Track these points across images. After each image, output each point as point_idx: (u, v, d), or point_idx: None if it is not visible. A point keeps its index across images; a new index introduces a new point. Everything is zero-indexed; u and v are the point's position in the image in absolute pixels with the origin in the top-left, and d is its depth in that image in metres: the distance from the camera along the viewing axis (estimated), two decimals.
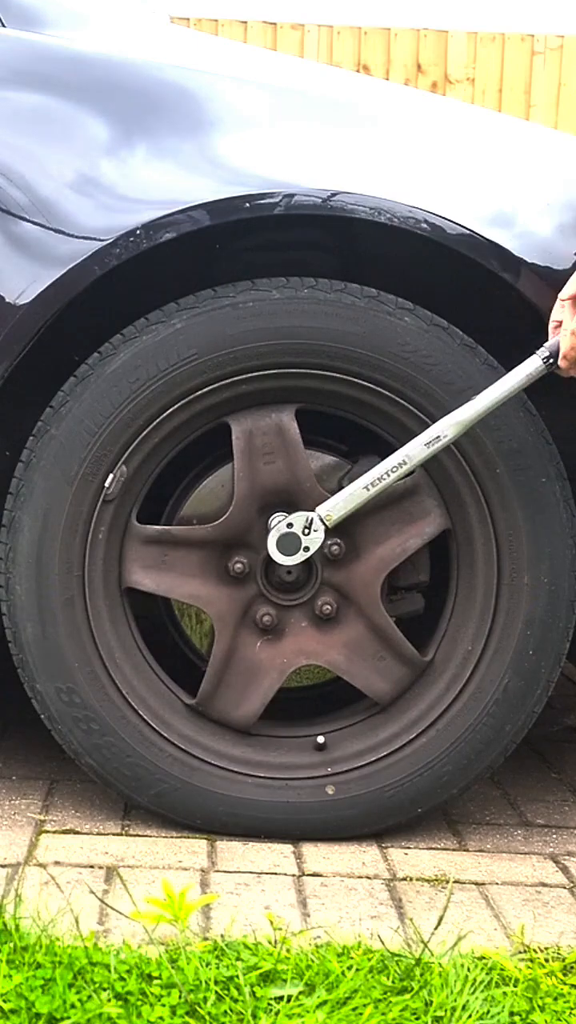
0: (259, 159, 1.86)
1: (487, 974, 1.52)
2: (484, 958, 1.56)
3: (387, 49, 7.30)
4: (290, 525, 1.86)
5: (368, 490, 1.84)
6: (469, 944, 1.61)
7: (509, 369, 1.85)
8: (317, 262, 1.95)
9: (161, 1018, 1.40)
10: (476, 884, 1.83)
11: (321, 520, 1.86)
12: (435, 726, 1.91)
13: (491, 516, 1.88)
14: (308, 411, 1.91)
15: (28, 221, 1.82)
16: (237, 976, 1.47)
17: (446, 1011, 1.44)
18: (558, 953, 1.62)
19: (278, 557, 1.86)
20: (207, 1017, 1.41)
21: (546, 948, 1.63)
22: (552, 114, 7.33)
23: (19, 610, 1.89)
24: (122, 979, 1.46)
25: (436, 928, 1.66)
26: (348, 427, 1.96)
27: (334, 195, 1.82)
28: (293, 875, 1.82)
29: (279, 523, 1.87)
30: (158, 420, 1.86)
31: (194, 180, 1.85)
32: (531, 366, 1.76)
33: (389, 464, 1.83)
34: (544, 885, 1.84)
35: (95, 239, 1.80)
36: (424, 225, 1.82)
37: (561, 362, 1.73)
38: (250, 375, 1.86)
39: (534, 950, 1.62)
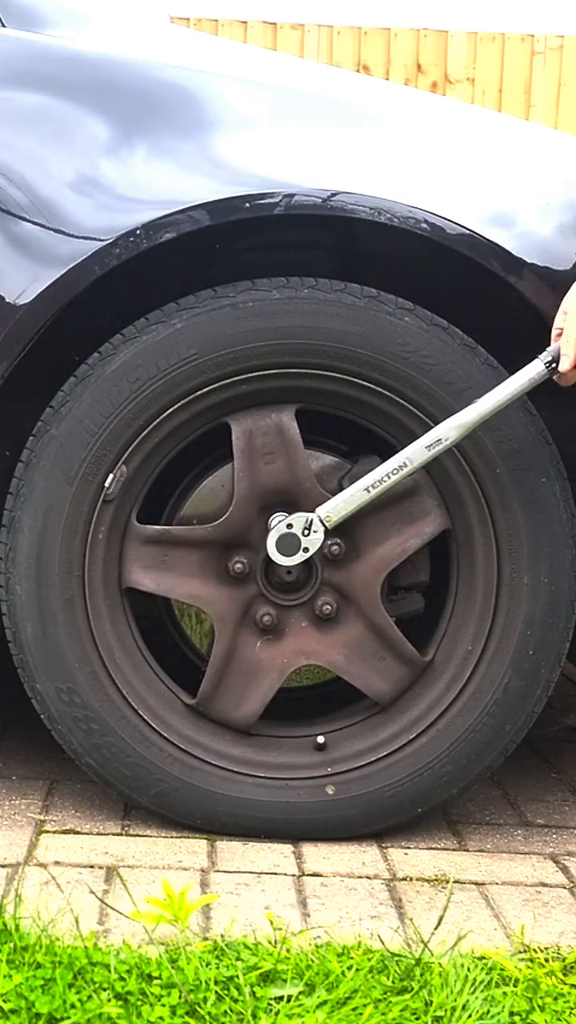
0: (259, 159, 1.86)
1: (487, 974, 1.52)
2: (484, 958, 1.56)
3: (387, 49, 7.30)
4: (290, 526, 1.86)
5: (369, 492, 1.84)
6: (469, 944, 1.61)
7: (509, 369, 1.85)
8: (317, 262, 1.95)
9: (161, 1018, 1.40)
10: (476, 884, 1.83)
11: (321, 521, 1.86)
12: (435, 726, 1.91)
13: (491, 516, 1.88)
14: (308, 411, 1.91)
15: (28, 221, 1.82)
16: (237, 976, 1.47)
17: (446, 1011, 1.44)
18: (558, 953, 1.62)
19: (277, 557, 1.86)
20: (207, 1017, 1.41)
21: (546, 948, 1.63)
22: (552, 114, 7.33)
23: (19, 610, 1.89)
24: (122, 979, 1.46)
25: (436, 928, 1.66)
26: (348, 427, 1.96)
27: (334, 195, 1.82)
28: (293, 875, 1.82)
29: (279, 523, 1.87)
30: (158, 420, 1.86)
31: (194, 180, 1.85)
32: (533, 371, 1.77)
33: (390, 466, 1.83)
34: (544, 885, 1.84)
35: (95, 239, 1.80)
36: (424, 225, 1.82)
37: (561, 366, 1.73)
38: (250, 375, 1.86)
39: (534, 950, 1.62)
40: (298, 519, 1.86)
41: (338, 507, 1.85)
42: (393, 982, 1.49)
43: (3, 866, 1.80)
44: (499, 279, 1.84)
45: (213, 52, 2.15)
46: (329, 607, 1.91)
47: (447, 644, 1.93)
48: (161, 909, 1.56)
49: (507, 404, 1.78)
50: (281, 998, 1.45)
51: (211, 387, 1.86)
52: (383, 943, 1.61)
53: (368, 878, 1.83)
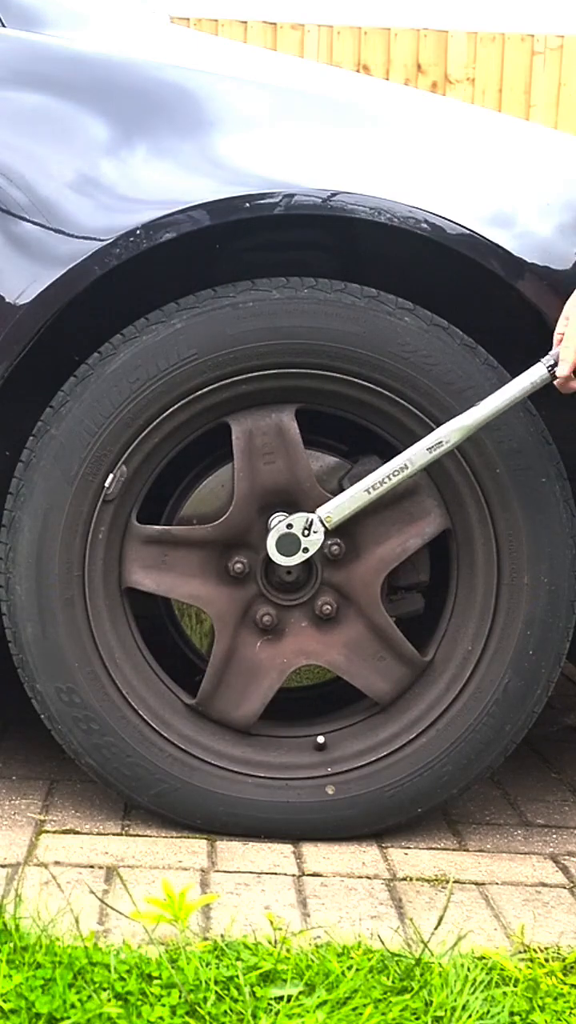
0: (259, 159, 1.85)
1: (487, 974, 1.52)
2: (484, 958, 1.56)
3: (387, 49, 7.30)
4: (290, 526, 1.86)
5: (369, 493, 1.84)
6: (469, 944, 1.61)
7: (508, 369, 1.85)
8: (317, 262, 1.95)
9: (161, 1018, 1.40)
10: (476, 884, 1.83)
11: (321, 522, 1.86)
12: (435, 726, 1.91)
13: (491, 516, 1.88)
14: (308, 411, 1.91)
15: (28, 221, 1.82)
16: (237, 976, 1.47)
17: (446, 1011, 1.44)
18: (558, 953, 1.61)
19: (277, 557, 1.86)
20: (207, 1017, 1.41)
21: (546, 948, 1.63)
22: (552, 114, 7.33)
23: (19, 610, 1.89)
24: (122, 979, 1.46)
25: (436, 928, 1.66)
26: (348, 427, 1.96)
27: (334, 195, 1.82)
28: (293, 875, 1.82)
29: (279, 523, 1.87)
30: (158, 420, 1.86)
31: (194, 180, 1.85)
32: (535, 374, 1.77)
33: (391, 468, 1.83)
34: (544, 885, 1.84)
35: (95, 239, 1.80)
36: (424, 225, 1.82)
37: (559, 371, 1.73)
38: (250, 375, 1.86)
39: (534, 950, 1.62)
40: (298, 519, 1.86)
41: (338, 508, 1.85)
42: (393, 982, 1.49)
43: (3, 866, 1.80)
44: (499, 279, 1.84)
45: (213, 52, 2.15)
46: (329, 607, 1.91)
47: (447, 644, 1.93)
48: (161, 909, 1.56)
49: (509, 408, 1.79)
50: (281, 998, 1.45)
51: (211, 387, 1.86)
52: (383, 943, 1.61)
53: (368, 878, 1.83)
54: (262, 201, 1.82)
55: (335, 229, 1.91)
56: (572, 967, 1.57)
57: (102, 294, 1.85)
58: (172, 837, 1.92)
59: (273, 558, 1.87)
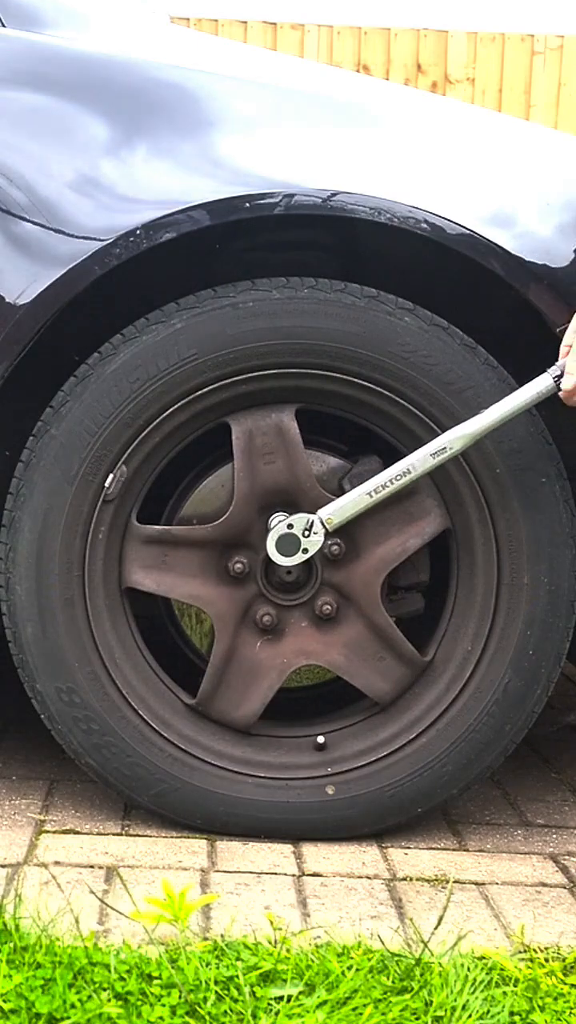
0: (259, 159, 1.85)
1: (487, 974, 1.52)
2: (484, 958, 1.56)
3: (387, 49, 7.30)
4: (290, 526, 1.86)
5: (371, 496, 1.84)
6: (469, 944, 1.61)
7: (509, 369, 1.85)
8: (317, 262, 1.95)
9: (161, 1018, 1.40)
10: (476, 884, 1.83)
11: (322, 523, 1.86)
12: (435, 726, 1.91)
13: (491, 516, 1.88)
14: (308, 411, 1.91)
15: (28, 221, 1.82)
16: (237, 976, 1.47)
17: (446, 1011, 1.44)
18: (558, 953, 1.61)
19: (277, 557, 1.86)
20: (207, 1017, 1.41)
21: (546, 948, 1.63)
22: (552, 114, 7.33)
23: (19, 610, 1.89)
24: (122, 979, 1.46)
25: (436, 928, 1.66)
26: (349, 427, 1.96)
27: (334, 195, 1.82)
28: (293, 875, 1.82)
29: (279, 523, 1.87)
30: (158, 420, 1.86)
31: (194, 180, 1.85)
32: (541, 384, 1.77)
33: (393, 472, 1.83)
34: (544, 885, 1.84)
35: (95, 239, 1.80)
36: (424, 225, 1.82)
37: (564, 384, 1.73)
38: (250, 375, 1.86)
39: (534, 950, 1.62)
40: (299, 520, 1.86)
41: (340, 510, 1.85)
42: (393, 982, 1.49)
43: (3, 866, 1.80)
44: (499, 279, 1.84)
45: (213, 52, 2.15)
46: (329, 607, 1.91)
47: (447, 644, 1.93)
48: (161, 909, 1.56)
49: (513, 416, 1.79)
50: (281, 998, 1.45)
51: (211, 387, 1.86)
52: (383, 943, 1.61)
53: (368, 878, 1.83)
54: (262, 201, 1.82)
55: (335, 229, 1.91)
56: (572, 967, 1.57)
57: (102, 294, 1.84)
58: (172, 837, 1.92)
59: (273, 558, 1.87)
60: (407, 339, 1.84)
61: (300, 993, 1.45)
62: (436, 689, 1.93)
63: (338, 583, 1.92)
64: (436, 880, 1.83)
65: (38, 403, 1.90)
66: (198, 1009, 1.42)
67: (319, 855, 1.89)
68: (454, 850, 1.94)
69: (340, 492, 1.90)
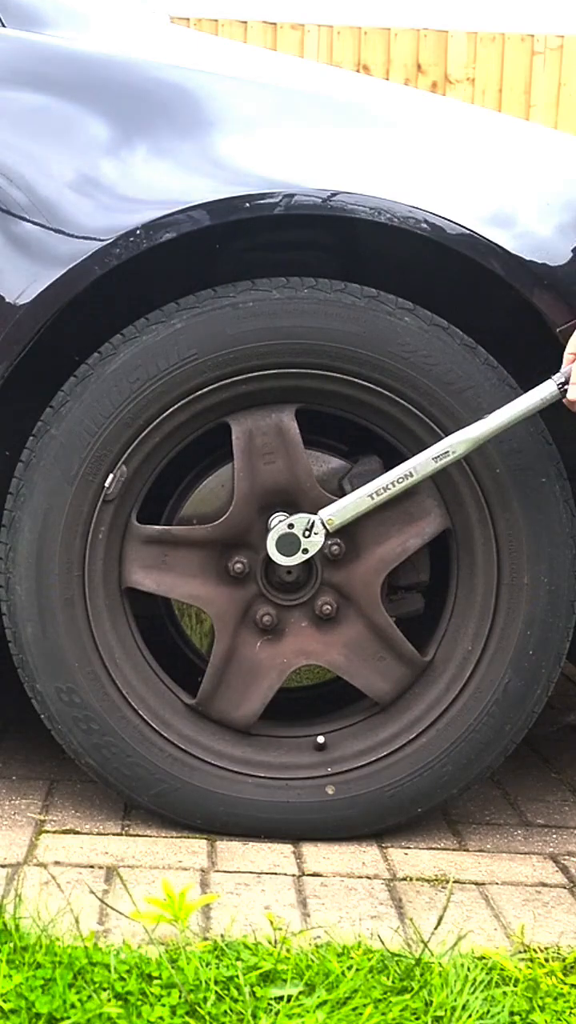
0: (259, 159, 1.85)
1: (487, 974, 1.52)
2: (484, 958, 1.56)
3: (387, 49, 7.30)
4: (291, 526, 1.86)
5: (373, 499, 1.84)
6: (469, 944, 1.61)
7: (509, 369, 1.85)
8: (317, 262, 1.95)
9: (161, 1018, 1.40)
10: (476, 884, 1.83)
11: (323, 524, 1.86)
12: (435, 726, 1.91)
13: (491, 516, 1.88)
14: (308, 411, 1.91)
15: (28, 221, 1.82)
16: (237, 976, 1.47)
17: (446, 1011, 1.44)
18: (558, 953, 1.61)
19: (277, 557, 1.86)
20: (207, 1017, 1.41)
21: (546, 948, 1.63)
22: (552, 114, 7.33)
23: (19, 610, 1.89)
24: (122, 979, 1.46)
25: (436, 928, 1.66)
26: (349, 427, 1.96)
27: (334, 195, 1.82)
28: (293, 875, 1.82)
29: (279, 523, 1.87)
30: (158, 420, 1.86)
31: (194, 180, 1.85)
32: (545, 391, 1.77)
33: (395, 475, 1.83)
34: (544, 885, 1.84)
35: (95, 239, 1.80)
36: (424, 225, 1.82)
37: (570, 394, 1.73)
38: (250, 375, 1.86)
39: (534, 950, 1.62)
40: (300, 520, 1.86)
41: (341, 511, 1.85)
42: (393, 982, 1.49)
43: (3, 866, 1.80)
44: (499, 279, 1.84)
45: (213, 52, 2.15)
46: (329, 607, 1.91)
47: (447, 644, 1.93)
48: (161, 909, 1.56)
49: (517, 422, 1.79)
50: (281, 998, 1.45)
51: (211, 387, 1.86)
52: (383, 943, 1.61)
53: (368, 878, 1.83)
54: (262, 201, 1.82)
55: (335, 229, 1.91)
56: (572, 967, 1.57)
57: (102, 294, 1.84)
58: (172, 837, 1.92)
59: (273, 558, 1.87)
60: (407, 339, 1.84)
61: (300, 993, 1.45)
62: (436, 689, 1.93)
63: (338, 583, 1.92)
64: (436, 880, 1.83)
65: (38, 403, 1.90)
66: (198, 1009, 1.42)
67: (319, 855, 1.89)
68: (454, 850, 1.94)
69: (340, 492, 1.90)
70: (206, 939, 1.59)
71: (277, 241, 1.94)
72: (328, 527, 1.86)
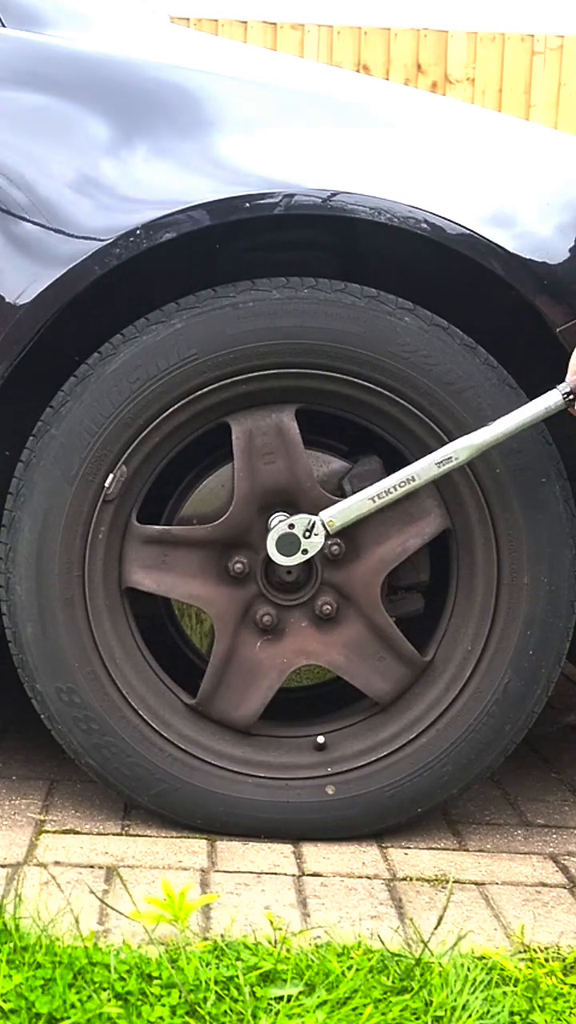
0: (259, 159, 1.85)
1: (487, 974, 1.52)
2: (484, 958, 1.56)
3: (387, 49, 7.30)
4: (291, 526, 1.86)
5: (374, 502, 1.84)
6: (469, 944, 1.61)
7: (509, 369, 1.85)
8: (317, 262, 1.95)
9: (161, 1018, 1.40)
10: (476, 884, 1.83)
11: (323, 525, 1.86)
12: (435, 726, 1.91)
13: (491, 516, 1.88)
14: (308, 411, 1.91)
15: (28, 221, 1.82)
16: (237, 976, 1.47)
17: (446, 1011, 1.44)
18: (558, 953, 1.61)
19: (277, 557, 1.86)
20: (207, 1017, 1.41)
21: (546, 948, 1.63)
22: (552, 114, 7.33)
23: (19, 610, 1.89)
24: (122, 979, 1.46)
25: (436, 928, 1.66)
26: (349, 427, 1.96)
27: (334, 195, 1.82)
28: (293, 875, 1.82)
29: (280, 523, 1.87)
30: (158, 420, 1.86)
31: (194, 180, 1.85)
32: (550, 400, 1.77)
33: (398, 479, 1.83)
34: (544, 885, 1.84)
35: (95, 239, 1.80)
36: (424, 225, 1.82)
37: None
38: (250, 375, 1.86)
39: (534, 950, 1.62)
40: (301, 520, 1.86)
41: (342, 513, 1.85)
42: (393, 982, 1.49)
43: (3, 866, 1.80)
44: (499, 279, 1.84)
45: (213, 52, 2.15)
46: (329, 607, 1.91)
47: (447, 644, 1.93)
48: (161, 909, 1.56)
49: (520, 430, 1.79)
50: (281, 998, 1.45)
51: (211, 387, 1.86)
52: (383, 943, 1.61)
53: (368, 878, 1.83)
54: (262, 201, 1.82)
55: (335, 229, 1.91)
56: (572, 967, 1.57)
57: (102, 294, 1.84)
58: (172, 837, 1.92)
59: (273, 557, 1.87)
60: (407, 339, 1.84)
61: (300, 993, 1.45)
62: (436, 689, 1.93)
63: (338, 583, 1.92)
64: (436, 880, 1.83)
65: (38, 403, 1.90)
66: (198, 1009, 1.42)
67: (319, 855, 1.89)
68: (454, 850, 1.94)
69: (340, 492, 1.90)
70: (206, 939, 1.59)
71: (277, 241, 1.94)
72: (329, 529, 1.86)
